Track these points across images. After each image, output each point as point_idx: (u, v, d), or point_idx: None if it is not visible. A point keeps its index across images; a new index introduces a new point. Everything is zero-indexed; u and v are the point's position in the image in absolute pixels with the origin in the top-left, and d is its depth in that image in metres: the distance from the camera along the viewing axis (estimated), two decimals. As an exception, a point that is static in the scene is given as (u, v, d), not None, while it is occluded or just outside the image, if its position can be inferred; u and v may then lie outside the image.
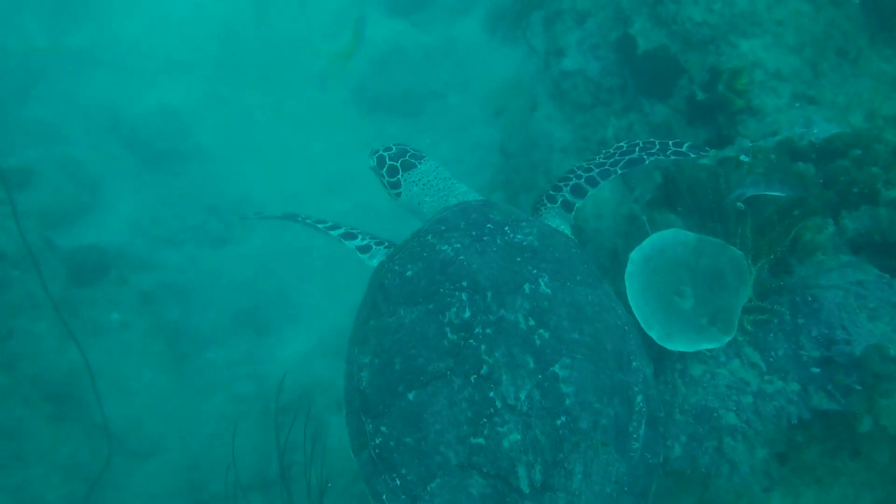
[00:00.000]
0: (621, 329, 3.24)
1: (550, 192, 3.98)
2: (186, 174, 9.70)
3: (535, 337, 3.04)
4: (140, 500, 5.74)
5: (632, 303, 3.56)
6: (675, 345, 3.47)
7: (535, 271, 3.22)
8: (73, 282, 7.06)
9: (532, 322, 3.08)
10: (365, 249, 3.93)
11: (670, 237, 3.79)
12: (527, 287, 3.15)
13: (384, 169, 4.23)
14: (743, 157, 3.95)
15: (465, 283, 3.18)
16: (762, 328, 3.50)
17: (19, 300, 6.54)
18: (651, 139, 4.06)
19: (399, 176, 4.20)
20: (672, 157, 3.94)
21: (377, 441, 3.10)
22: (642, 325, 3.50)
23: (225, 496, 5.74)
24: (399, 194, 4.24)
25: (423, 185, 4.18)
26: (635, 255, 3.74)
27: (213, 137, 9.86)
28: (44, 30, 10.60)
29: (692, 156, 3.93)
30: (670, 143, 3.97)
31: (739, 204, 3.82)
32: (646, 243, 3.77)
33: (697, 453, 3.43)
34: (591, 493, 2.92)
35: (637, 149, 4.02)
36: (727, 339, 3.39)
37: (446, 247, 3.37)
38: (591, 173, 3.95)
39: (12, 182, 8.35)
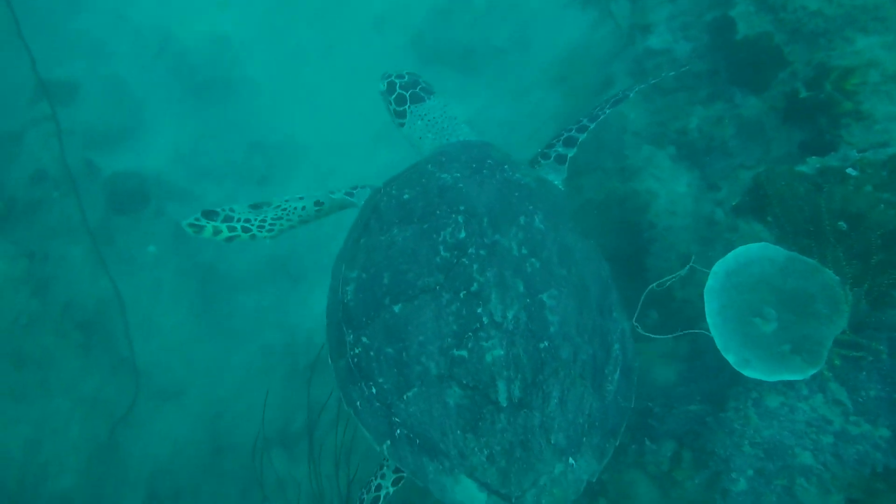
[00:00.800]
0: (605, 281, 3.36)
1: (545, 150, 4.05)
2: (233, 106, 9.46)
3: (527, 264, 3.13)
4: (161, 443, 5.69)
5: (709, 321, 3.31)
6: (753, 372, 3.23)
7: (531, 207, 3.32)
8: (112, 209, 6.94)
9: (525, 251, 3.16)
10: (351, 192, 3.89)
11: (757, 252, 3.51)
12: (522, 219, 3.25)
13: (393, 96, 4.28)
14: (850, 171, 3.61)
15: (462, 208, 3.25)
16: (853, 365, 3.23)
17: (57, 222, 6.44)
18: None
19: (406, 106, 4.26)
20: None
21: (356, 351, 3.17)
22: (718, 346, 3.25)
23: (246, 448, 5.66)
24: (403, 125, 4.29)
25: (429, 121, 4.26)
26: (718, 268, 3.48)
27: (263, 71, 9.57)
28: (98, -63, 10.24)
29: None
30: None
31: (841, 223, 3.49)
32: (730, 257, 3.50)
33: (764, 491, 3.20)
34: (564, 420, 2.98)
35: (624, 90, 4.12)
36: (812, 371, 3.14)
37: (446, 175, 3.45)
38: (581, 122, 4.10)
39: (57, 97, 8.20)
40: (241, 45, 9.66)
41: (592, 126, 4.09)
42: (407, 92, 4.29)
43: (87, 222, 6.27)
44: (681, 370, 4.21)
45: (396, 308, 3.12)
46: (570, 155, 4.04)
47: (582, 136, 4.06)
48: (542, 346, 3.03)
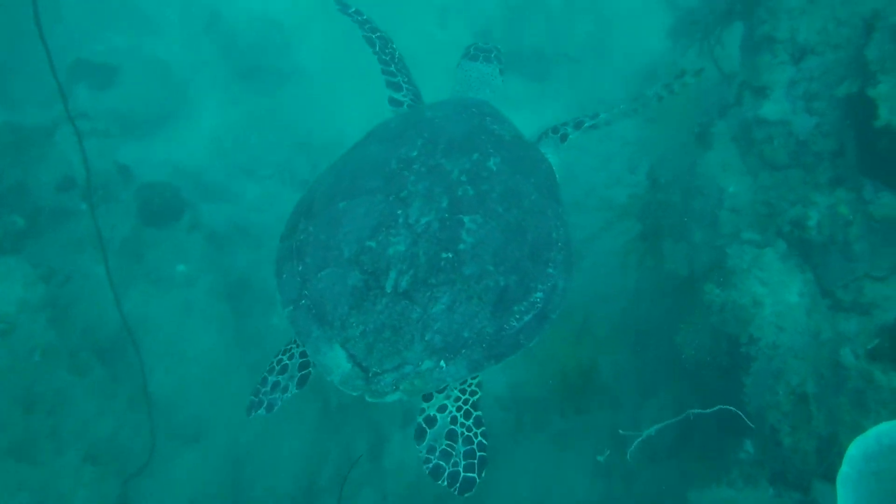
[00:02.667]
0: (552, 240, 3.60)
1: (555, 127, 4.50)
2: (280, 96, 8.89)
3: (460, 189, 3.48)
4: (177, 494, 5.30)
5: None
6: None
7: (490, 150, 3.69)
8: (143, 220, 6.47)
9: (464, 178, 3.54)
10: (394, 103, 4.66)
11: (907, 433, 2.90)
12: (476, 156, 3.65)
13: (474, 46, 5.00)
14: None
15: (426, 135, 3.74)
16: None
17: (83, 236, 5.98)
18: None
19: (464, 59, 4.96)
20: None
21: (301, 237, 3.58)
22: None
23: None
24: (460, 66, 4.96)
25: (480, 83, 4.85)
26: (854, 450, 2.88)
27: (314, 60, 8.95)
28: None
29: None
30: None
31: None
32: (870, 435, 2.90)
33: None
34: (447, 326, 3.26)
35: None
36: None
37: (430, 113, 4.01)
38: (598, 115, 4.56)
39: (95, 80, 7.71)
40: (293, 31, 9.02)
41: (604, 118, 4.56)
42: (486, 51, 4.94)
43: (108, 241, 5.79)
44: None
45: (341, 205, 3.54)
46: (571, 136, 4.52)
47: (590, 122, 4.56)
48: (444, 255, 3.33)
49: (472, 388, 3.54)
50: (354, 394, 3.30)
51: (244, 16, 9.05)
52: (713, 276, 4.45)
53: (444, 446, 3.40)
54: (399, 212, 3.44)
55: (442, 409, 3.51)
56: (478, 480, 3.31)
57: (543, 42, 8.85)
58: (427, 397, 3.48)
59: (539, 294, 3.49)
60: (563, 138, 4.57)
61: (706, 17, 5.19)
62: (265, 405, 3.67)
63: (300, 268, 3.55)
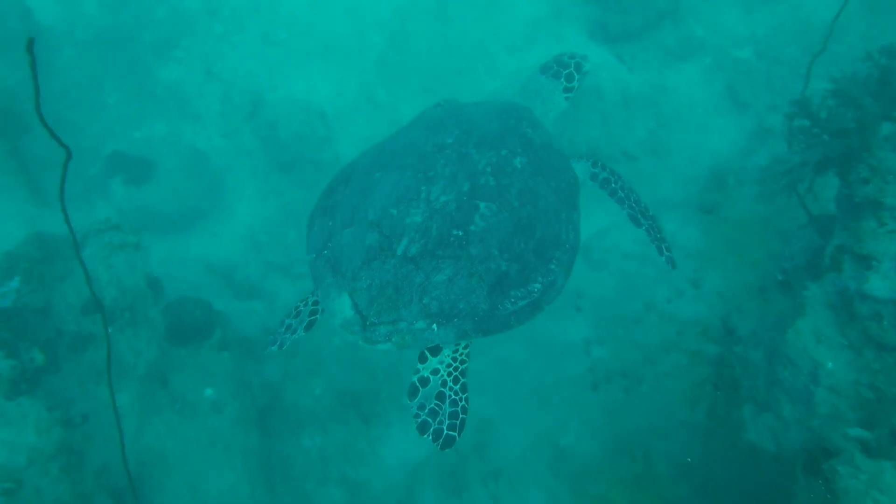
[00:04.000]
0: (560, 241, 3.97)
1: (598, 162, 4.87)
2: (320, 189, 8.46)
3: (482, 178, 3.86)
4: None
5: None
6: None
7: (518, 150, 4.07)
8: (171, 339, 6.07)
9: (489, 170, 3.91)
10: None
11: None
12: (504, 152, 4.01)
13: (555, 60, 5.21)
14: None
15: (464, 127, 4.12)
16: None
17: (106, 364, 5.58)
18: None
19: (545, 74, 5.16)
20: None
21: (336, 198, 4.13)
22: None
23: None
24: (534, 78, 5.19)
25: (539, 97, 5.09)
26: None
27: (357, 152, 8.53)
28: (200, -23, 9.43)
29: None
30: None
31: None
32: None
33: None
34: (445, 295, 3.66)
35: None
36: None
37: (472, 109, 4.41)
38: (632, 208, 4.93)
39: (131, 175, 7.43)
40: (336, 121, 8.68)
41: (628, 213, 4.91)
42: (561, 67, 5.16)
43: (132, 367, 5.43)
44: None
45: (376, 175, 4.01)
46: (602, 176, 4.89)
47: (617, 194, 4.93)
48: (455, 232, 3.70)
49: (463, 356, 3.93)
50: (351, 337, 3.77)
51: (287, 105, 8.76)
52: (815, 483, 3.83)
53: (432, 405, 3.82)
54: (423, 188, 3.84)
55: (435, 372, 3.89)
56: (457, 438, 3.72)
57: (599, 138, 8.36)
58: (422, 359, 3.90)
59: (537, 285, 3.89)
60: (594, 177, 4.95)
61: (797, 166, 4.60)
62: (278, 343, 4.30)
63: (329, 223, 4.07)
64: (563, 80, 5.17)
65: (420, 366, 3.93)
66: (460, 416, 3.80)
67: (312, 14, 9.42)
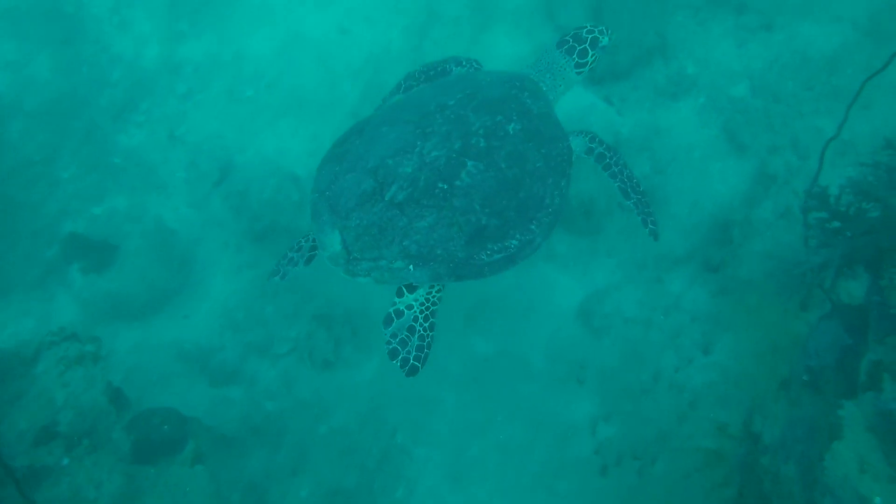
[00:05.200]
0: (544, 204, 4.42)
1: (595, 137, 5.10)
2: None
3: (474, 139, 4.31)
4: None
5: None
6: None
7: (514, 117, 4.49)
8: (137, 458, 5.52)
9: (481, 132, 4.36)
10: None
11: None
12: (500, 118, 4.44)
13: (573, 34, 5.32)
14: None
15: (468, 91, 4.57)
16: None
17: (64, 499, 5.04)
18: None
19: (560, 49, 5.27)
20: None
21: (347, 147, 4.56)
22: None
23: None
24: (549, 51, 5.32)
25: (549, 71, 5.24)
26: None
27: (336, 216, 7.99)
28: (158, 32, 8.90)
29: None
30: None
31: None
32: None
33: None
34: (424, 240, 4.16)
35: None
36: None
37: (482, 76, 4.87)
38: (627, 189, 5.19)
39: (92, 262, 6.87)
40: (311, 182, 8.11)
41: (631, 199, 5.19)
42: (576, 42, 5.25)
43: (93, 502, 4.85)
44: None
45: (384, 128, 4.45)
46: (597, 150, 5.12)
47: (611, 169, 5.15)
48: (440, 185, 4.15)
49: (435, 297, 4.44)
50: (335, 268, 4.30)
51: (257, 167, 8.22)
52: None
53: (403, 335, 4.32)
54: (419, 143, 4.26)
55: (409, 307, 4.38)
56: (420, 368, 4.28)
57: (593, 189, 7.86)
58: (399, 294, 4.39)
59: (514, 242, 4.27)
60: (590, 151, 5.17)
61: (817, 267, 4.12)
62: (280, 273, 4.95)
63: (336, 168, 4.45)
64: (575, 56, 5.30)
65: (397, 299, 4.44)
66: (425, 350, 4.39)
67: (280, 67, 8.88)
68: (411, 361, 4.30)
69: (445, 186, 4.16)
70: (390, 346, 4.34)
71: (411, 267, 4.20)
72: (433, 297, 4.48)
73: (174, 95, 8.77)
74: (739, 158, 7.72)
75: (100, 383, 5.59)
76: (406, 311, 4.43)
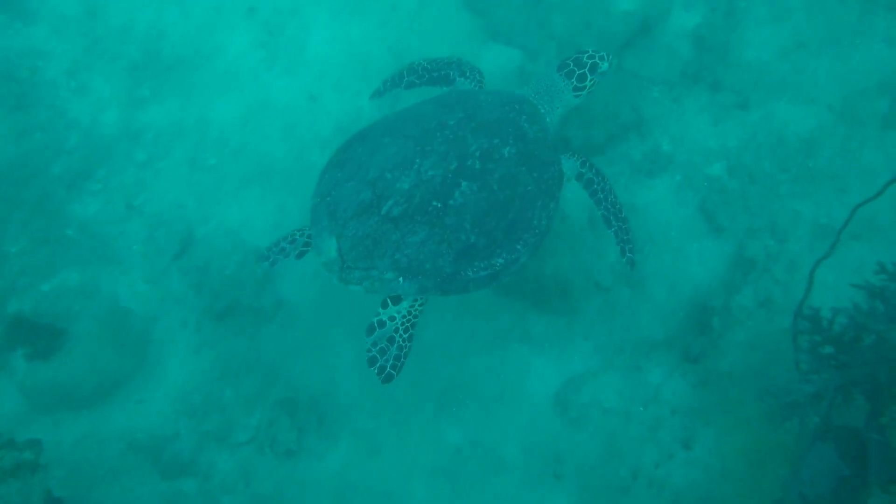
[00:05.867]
0: (532, 225, 4.85)
1: (587, 163, 5.64)
2: (260, 339, 7.60)
3: (470, 160, 4.70)
4: None
5: None
6: None
7: (510, 141, 4.87)
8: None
9: (477, 154, 4.74)
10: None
11: None
12: (496, 140, 4.83)
13: (574, 58, 5.74)
14: None
15: (468, 111, 4.93)
16: None
17: None
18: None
19: (561, 70, 5.71)
20: None
21: (349, 154, 5.00)
22: None
23: None
24: (549, 74, 5.75)
25: (548, 93, 5.67)
26: None
27: (302, 295, 7.70)
28: (118, 97, 8.54)
29: None
30: None
31: None
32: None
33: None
34: (415, 254, 4.54)
35: None
36: None
37: (483, 97, 5.22)
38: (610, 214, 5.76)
39: (38, 348, 6.42)
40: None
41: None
42: (576, 66, 5.64)
43: None
44: None
45: (386, 139, 4.88)
46: (587, 176, 5.61)
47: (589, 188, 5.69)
48: (434, 203, 4.56)
49: (417, 311, 4.85)
50: (329, 275, 4.62)
51: (219, 241, 7.86)
52: None
53: (383, 345, 4.77)
54: (417, 160, 4.55)
55: (391, 318, 4.79)
56: (395, 376, 4.79)
57: (569, 267, 7.64)
58: (384, 305, 4.85)
59: (500, 260, 4.63)
60: (580, 177, 5.62)
61: (810, 398, 3.90)
62: (270, 260, 5.33)
63: (338, 175, 4.80)
64: (574, 80, 5.66)
65: (381, 310, 4.89)
66: (402, 360, 4.84)
67: (245, 134, 8.58)
68: (388, 370, 4.79)
69: (439, 205, 4.50)
70: (370, 354, 4.83)
71: (401, 279, 4.56)
72: (416, 309, 4.91)
73: (133, 163, 8.39)
74: (717, 240, 7.59)
75: (37, 496, 5.12)
76: (388, 321, 4.87)
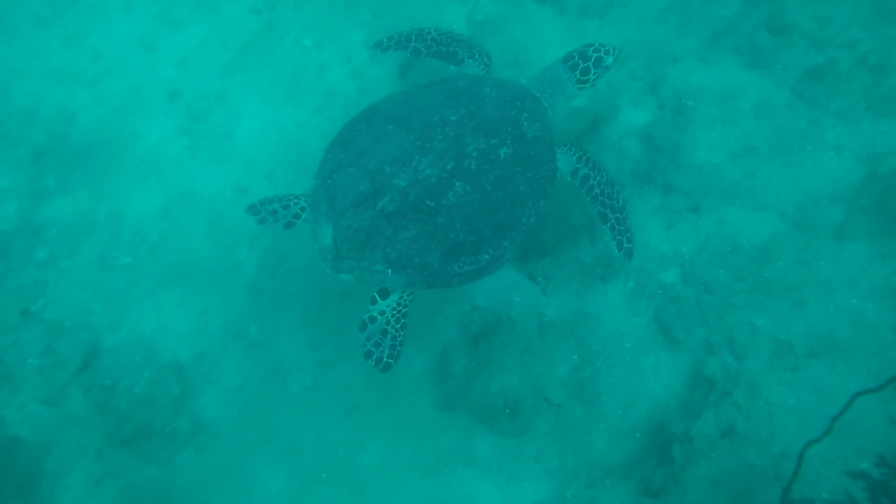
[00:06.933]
0: (521, 224, 5.14)
1: (584, 158, 5.80)
2: (175, 466, 6.75)
3: (466, 161, 4.94)
4: None
5: None
6: None
7: (508, 141, 5.11)
8: None
9: (475, 154, 4.98)
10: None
11: None
12: (494, 140, 5.05)
13: (580, 51, 5.92)
14: None
15: (471, 108, 5.14)
16: None
17: None
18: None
19: (564, 64, 5.93)
20: None
21: (355, 133, 5.19)
22: None
23: None
24: (554, 66, 5.95)
25: (551, 85, 5.89)
26: None
27: (224, 413, 6.90)
28: (18, 187, 7.68)
29: None
30: None
31: None
32: None
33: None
34: (405, 249, 4.86)
35: None
36: None
37: (487, 89, 5.39)
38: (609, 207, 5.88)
39: None
40: (197, 368, 7.01)
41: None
42: (581, 60, 5.87)
43: None
44: None
45: (390, 127, 5.05)
46: (583, 172, 5.81)
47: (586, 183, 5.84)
48: (428, 202, 4.83)
49: (406, 302, 5.30)
50: (322, 263, 5.04)
51: (129, 353, 7.02)
52: None
53: (376, 338, 5.24)
54: (416, 157, 4.91)
55: (382, 313, 5.27)
56: (393, 364, 5.27)
57: (517, 385, 7.11)
58: (373, 301, 5.30)
59: (486, 256, 5.05)
60: (575, 173, 5.82)
61: None
62: (260, 217, 5.71)
63: (342, 156, 5.13)
64: (578, 73, 5.85)
65: (371, 307, 5.21)
66: (398, 348, 5.20)
67: (164, 229, 7.82)
68: (385, 359, 5.17)
69: (432, 204, 4.79)
70: (365, 349, 5.18)
71: (390, 271, 4.90)
72: (404, 300, 5.25)
73: (32, 262, 7.50)
74: (673, 352, 7.22)
75: None
76: (379, 316, 5.21)
